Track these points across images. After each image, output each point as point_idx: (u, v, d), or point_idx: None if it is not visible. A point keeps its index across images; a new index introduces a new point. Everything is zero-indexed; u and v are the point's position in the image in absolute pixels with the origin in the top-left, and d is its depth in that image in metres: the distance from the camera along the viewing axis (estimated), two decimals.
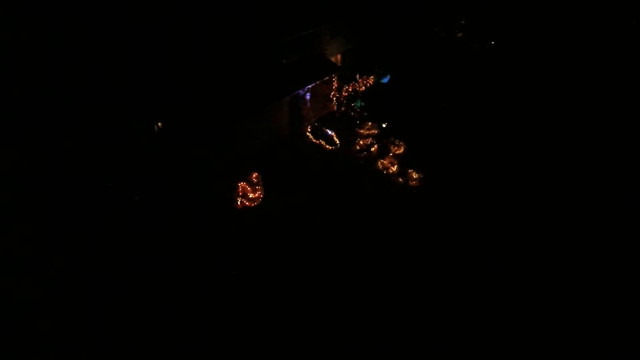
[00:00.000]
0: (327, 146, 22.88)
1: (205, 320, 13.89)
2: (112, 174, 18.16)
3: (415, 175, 20.73)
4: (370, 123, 23.78)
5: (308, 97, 23.67)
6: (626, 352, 13.87)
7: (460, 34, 33.51)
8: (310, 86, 22.99)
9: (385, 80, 28.17)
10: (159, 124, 18.98)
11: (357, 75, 26.90)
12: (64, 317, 13.57)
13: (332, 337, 13.71)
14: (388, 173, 21.28)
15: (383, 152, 22.21)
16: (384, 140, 22.78)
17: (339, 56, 26.21)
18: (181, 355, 13.00)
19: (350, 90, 26.42)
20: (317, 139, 23.22)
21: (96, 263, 15.39)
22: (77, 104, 18.26)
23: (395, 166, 21.36)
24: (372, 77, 27.55)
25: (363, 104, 25.77)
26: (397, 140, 22.51)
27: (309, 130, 23.61)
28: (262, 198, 18.81)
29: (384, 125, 23.87)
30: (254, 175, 18.88)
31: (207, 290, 14.87)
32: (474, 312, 14.81)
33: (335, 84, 25.17)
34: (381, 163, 21.61)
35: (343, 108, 25.69)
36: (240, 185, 18.56)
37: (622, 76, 29.38)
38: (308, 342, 13.55)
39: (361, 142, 22.80)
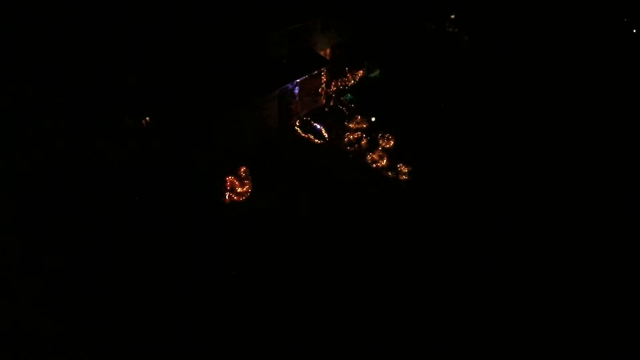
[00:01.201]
0: (316, 140, 22.73)
1: (202, 318, 13.72)
2: (111, 174, 17.92)
3: (405, 169, 20.67)
4: (359, 117, 23.66)
5: (297, 91, 23.51)
6: (626, 352, 13.83)
7: (451, 29, 33.56)
8: (299, 80, 22.83)
9: (374, 74, 28.09)
10: (147, 118, 18.75)
11: (347, 69, 26.77)
12: (64, 317, 13.38)
13: (322, 333, 13.62)
14: (378, 167, 21.21)
15: (372, 146, 22.11)
16: (373, 134, 22.67)
17: (328, 50, 26.09)
18: (178, 353, 12.87)
19: (339, 84, 26.28)
20: (305, 133, 23.06)
21: (95, 263, 15.19)
22: (74, 103, 18.04)
23: (385, 160, 21.29)
24: (361, 70, 27.42)
25: (352, 97, 25.64)
26: (386, 134, 22.42)
27: (297, 124, 23.45)
28: (250, 192, 18.65)
29: (373, 119, 23.76)
30: (243, 170, 18.70)
31: (201, 287, 14.71)
32: (466, 307, 14.76)
33: (324, 78, 25.03)
34: (371, 157, 21.52)
35: (332, 102, 25.56)
36: (229, 179, 18.37)
37: (618, 68, 29.66)
38: (298, 337, 13.46)
39: (350, 136, 22.68)
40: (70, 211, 16.70)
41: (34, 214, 16.37)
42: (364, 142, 22.41)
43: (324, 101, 25.45)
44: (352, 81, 26.88)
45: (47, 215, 16.43)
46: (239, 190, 18.46)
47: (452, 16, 34.20)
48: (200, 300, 14.26)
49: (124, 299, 14.08)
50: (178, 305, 14.05)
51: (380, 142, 22.19)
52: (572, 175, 21.09)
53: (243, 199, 18.48)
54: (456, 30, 33.98)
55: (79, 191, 17.26)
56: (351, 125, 23.32)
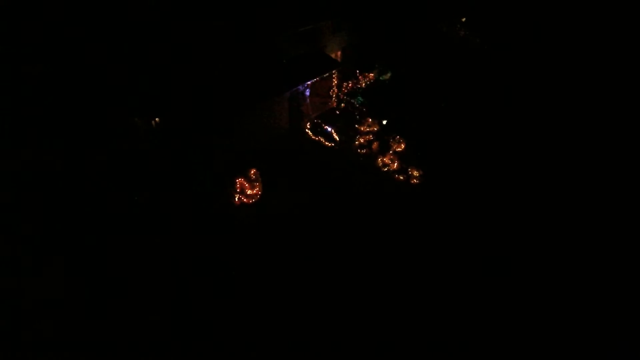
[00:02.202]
0: (327, 143, 22.61)
1: (205, 319, 13.65)
2: (114, 174, 17.91)
3: (416, 173, 20.47)
4: (370, 120, 23.50)
5: (308, 93, 23.43)
6: (626, 352, 13.66)
7: (462, 31, 33.33)
8: (310, 82, 22.73)
9: (385, 76, 27.92)
10: (157, 119, 18.74)
11: (358, 72, 26.64)
12: (64, 317, 13.35)
13: (331, 336, 13.48)
14: (388, 170, 21.03)
15: (383, 149, 21.93)
16: (384, 137, 22.48)
17: (339, 52, 25.97)
18: (180, 355, 12.78)
19: (350, 86, 26.15)
20: (316, 135, 22.94)
21: (96, 263, 15.14)
22: (76, 104, 18.04)
23: (396, 163, 21.10)
24: (372, 73, 27.28)
25: (363, 100, 25.49)
26: (397, 137, 22.22)
27: (308, 126, 23.33)
28: (260, 194, 18.55)
29: (384, 122, 23.59)
30: (252, 172, 18.60)
31: (205, 289, 14.62)
32: (475, 311, 14.56)
33: (335, 80, 24.93)
34: (381, 160, 21.34)
35: (343, 104, 25.43)
36: (239, 181, 18.29)
37: (622, 73, 29.23)
38: (306, 340, 13.32)
39: (361, 139, 22.52)
40: (71, 211, 16.67)
41: (35, 214, 16.34)
42: (374, 145, 22.23)
43: (334, 103, 25.33)
44: (363, 83, 26.73)
45: (47, 215, 16.38)
46: (249, 192, 18.37)
47: (463, 19, 33.97)
48: (200, 300, 14.19)
49: (124, 299, 14.02)
50: (178, 305, 13.98)
51: (391, 145, 22.01)
52: (588, 178, 20.80)
53: (252, 201, 18.39)
54: (467, 32, 33.73)
55: (80, 191, 17.24)
56: (362, 128, 23.15)
